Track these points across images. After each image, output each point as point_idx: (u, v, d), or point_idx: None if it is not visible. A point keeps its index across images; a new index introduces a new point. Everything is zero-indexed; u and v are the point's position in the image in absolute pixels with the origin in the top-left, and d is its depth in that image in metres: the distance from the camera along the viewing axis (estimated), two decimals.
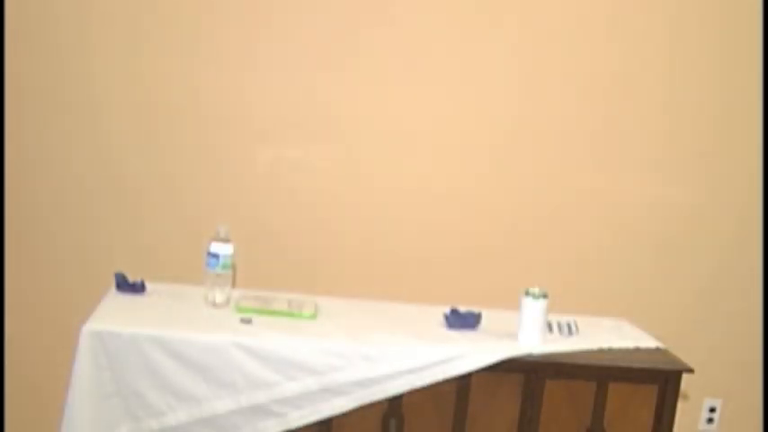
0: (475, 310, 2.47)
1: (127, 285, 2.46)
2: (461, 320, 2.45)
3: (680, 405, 2.99)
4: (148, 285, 2.50)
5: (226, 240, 2.41)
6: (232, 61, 2.74)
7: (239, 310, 2.39)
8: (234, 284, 2.51)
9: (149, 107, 2.74)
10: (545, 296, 2.35)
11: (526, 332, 2.35)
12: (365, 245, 2.87)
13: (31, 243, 2.75)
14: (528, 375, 2.30)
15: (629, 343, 2.47)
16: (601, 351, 2.40)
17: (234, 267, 2.44)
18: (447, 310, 2.49)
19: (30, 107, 2.69)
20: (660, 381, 2.34)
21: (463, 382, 2.27)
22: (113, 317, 2.26)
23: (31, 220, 2.74)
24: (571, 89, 2.89)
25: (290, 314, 2.40)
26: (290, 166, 2.81)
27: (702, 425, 3.12)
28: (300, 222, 2.83)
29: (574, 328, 2.53)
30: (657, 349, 2.48)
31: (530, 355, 2.29)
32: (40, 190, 2.74)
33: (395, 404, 2.26)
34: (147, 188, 2.77)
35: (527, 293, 2.36)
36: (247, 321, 2.31)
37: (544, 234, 2.95)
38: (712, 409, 3.11)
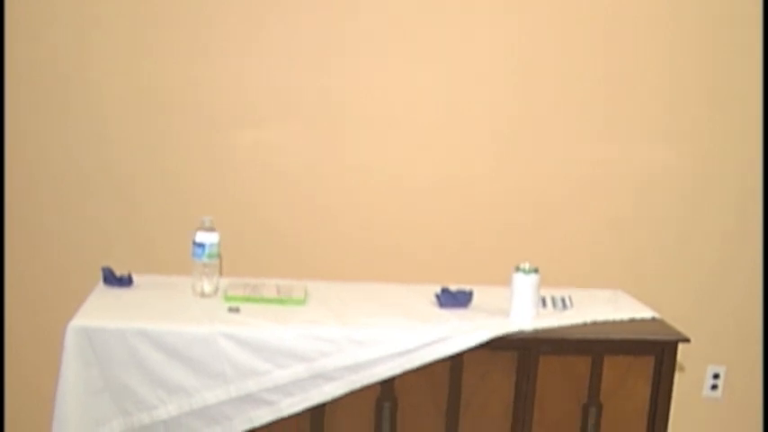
0: (466, 287, 2.44)
1: (114, 279, 2.44)
2: (453, 299, 2.41)
3: (683, 373, 2.98)
4: (136, 278, 2.48)
5: (211, 230, 2.38)
6: (211, 48, 2.70)
7: (227, 299, 2.37)
8: (223, 273, 2.49)
9: (129, 101, 2.69)
10: (536, 271, 2.32)
11: (518, 308, 2.32)
12: (354, 226, 2.82)
13: (18, 242, 2.73)
14: (521, 352, 2.27)
15: (623, 315, 2.43)
16: (595, 324, 2.36)
17: (220, 256, 2.42)
18: (438, 289, 2.45)
19: (11, 102, 2.66)
20: (656, 351, 2.31)
21: (456, 362, 2.25)
22: (100, 312, 2.24)
23: (19, 219, 2.72)
24: (566, 59, 2.82)
25: (279, 300, 2.38)
26: (273, 150, 2.76)
27: (706, 391, 3.09)
28: (288, 206, 2.79)
29: (568, 302, 2.50)
30: (653, 319, 2.44)
31: (522, 332, 2.26)
32: (34, 189, 2.71)
33: (387, 387, 2.24)
34: (132, 181, 2.74)
35: (517, 269, 2.32)
36: (235, 310, 2.29)
37: (537, 207, 2.90)
38: (716, 376, 3.08)
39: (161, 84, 2.69)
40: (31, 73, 2.65)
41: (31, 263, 2.75)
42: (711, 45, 2.87)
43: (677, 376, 2.87)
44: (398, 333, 2.21)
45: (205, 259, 2.38)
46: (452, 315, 2.35)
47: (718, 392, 3.09)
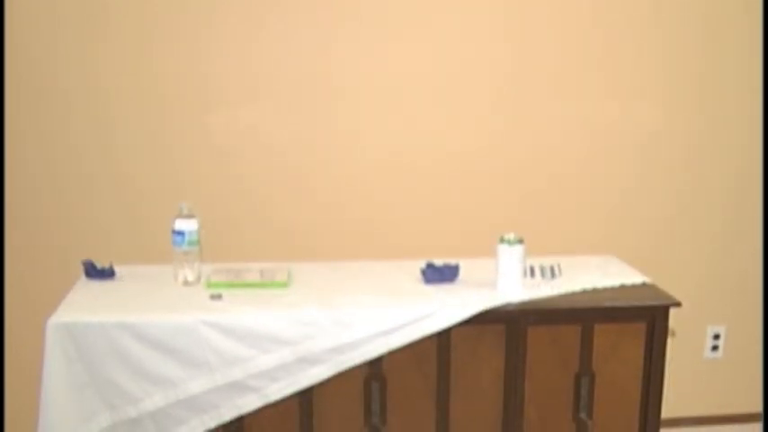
0: (452, 261, 2.40)
1: (95, 272, 2.41)
2: (438, 274, 2.37)
3: (684, 334, 2.95)
4: (118, 269, 2.44)
5: (189, 216, 2.34)
6: (189, 29, 2.65)
7: (210, 285, 2.33)
8: (207, 259, 2.45)
9: (101, 91, 2.64)
10: (520, 242, 2.27)
11: (504, 280, 2.28)
12: (336, 204, 2.78)
13: (10, 240, 2.70)
14: (509, 325, 2.23)
15: (614, 281, 2.39)
16: (584, 292, 2.32)
17: (200, 242, 2.38)
18: (423, 264, 2.41)
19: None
20: (648, 317, 2.27)
21: (443, 338, 2.21)
22: (81, 306, 2.21)
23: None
24: (564, 24, 2.76)
25: (261, 284, 2.34)
26: (252, 131, 2.71)
27: (707, 352, 3.05)
28: (269, 188, 2.75)
29: (557, 271, 2.45)
30: (644, 284, 2.39)
31: (509, 304, 2.22)
32: (23, 187, 2.68)
33: (375, 367, 2.21)
34: (116, 173, 2.70)
35: (502, 240, 2.27)
36: (217, 297, 2.25)
37: (528, 175, 2.85)
38: (716, 336, 3.04)
39: (147, 73, 2.65)
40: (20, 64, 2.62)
41: (21, 259, 2.72)
42: (713, 7, 2.81)
43: (677, 337, 2.85)
44: (383, 312, 2.18)
45: (185, 247, 2.34)
46: (438, 290, 2.31)
47: (719, 353, 3.05)
